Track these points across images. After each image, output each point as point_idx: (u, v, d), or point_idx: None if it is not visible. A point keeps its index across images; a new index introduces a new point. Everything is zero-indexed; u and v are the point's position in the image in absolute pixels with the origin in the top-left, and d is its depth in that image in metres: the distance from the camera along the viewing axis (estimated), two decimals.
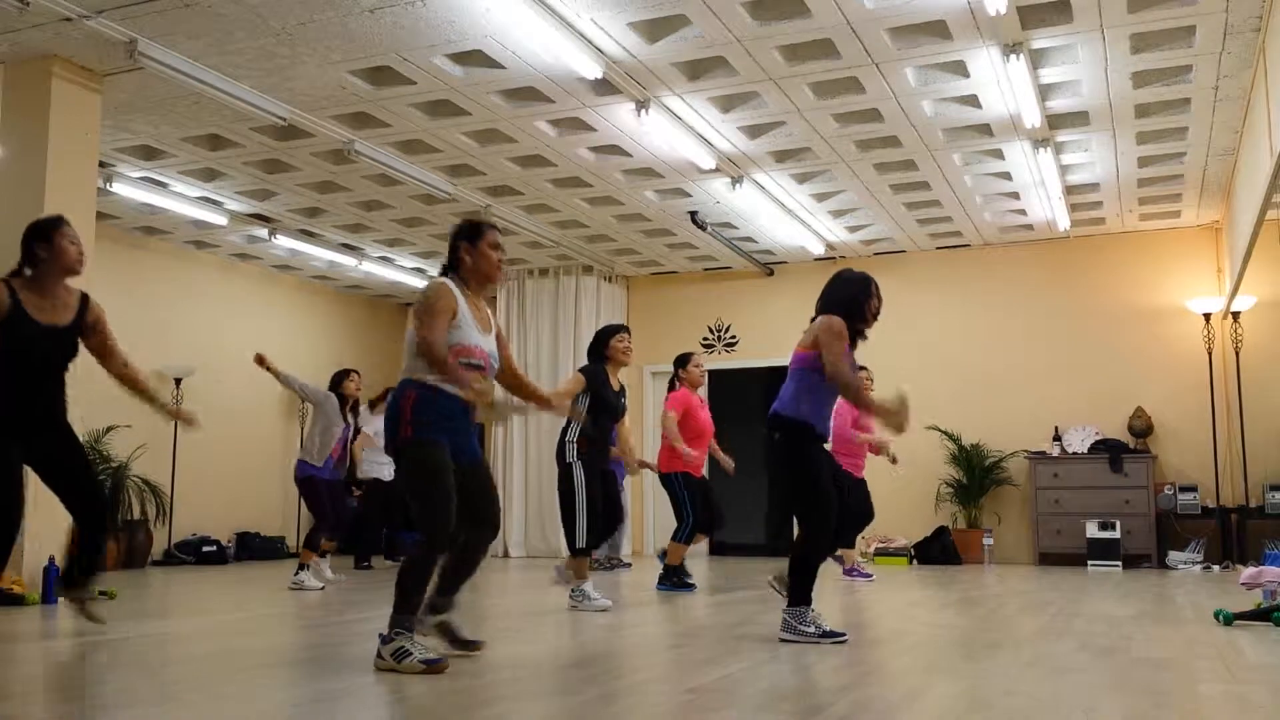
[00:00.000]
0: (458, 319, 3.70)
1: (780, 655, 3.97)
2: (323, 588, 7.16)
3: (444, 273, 3.87)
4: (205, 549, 10.05)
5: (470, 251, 3.83)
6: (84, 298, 4.48)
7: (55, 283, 4.37)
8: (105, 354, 4.52)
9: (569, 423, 6.08)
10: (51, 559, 5.96)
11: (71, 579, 4.61)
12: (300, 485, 7.49)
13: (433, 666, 3.47)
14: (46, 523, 6.11)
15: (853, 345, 4.58)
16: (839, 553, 8.03)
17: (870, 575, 8.00)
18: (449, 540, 3.64)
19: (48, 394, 4.38)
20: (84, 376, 4.72)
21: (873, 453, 7.99)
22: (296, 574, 7.18)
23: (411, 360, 3.71)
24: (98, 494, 4.52)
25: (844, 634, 4.35)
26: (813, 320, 4.58)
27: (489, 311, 3.95)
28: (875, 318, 4.61)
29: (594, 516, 5.92)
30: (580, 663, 3.78)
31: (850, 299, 4.54)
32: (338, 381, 7.70)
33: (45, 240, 4.33)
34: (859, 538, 8.42)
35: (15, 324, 4.22)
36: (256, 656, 4.00)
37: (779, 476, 4.51)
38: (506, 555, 11.29)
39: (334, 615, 5.48)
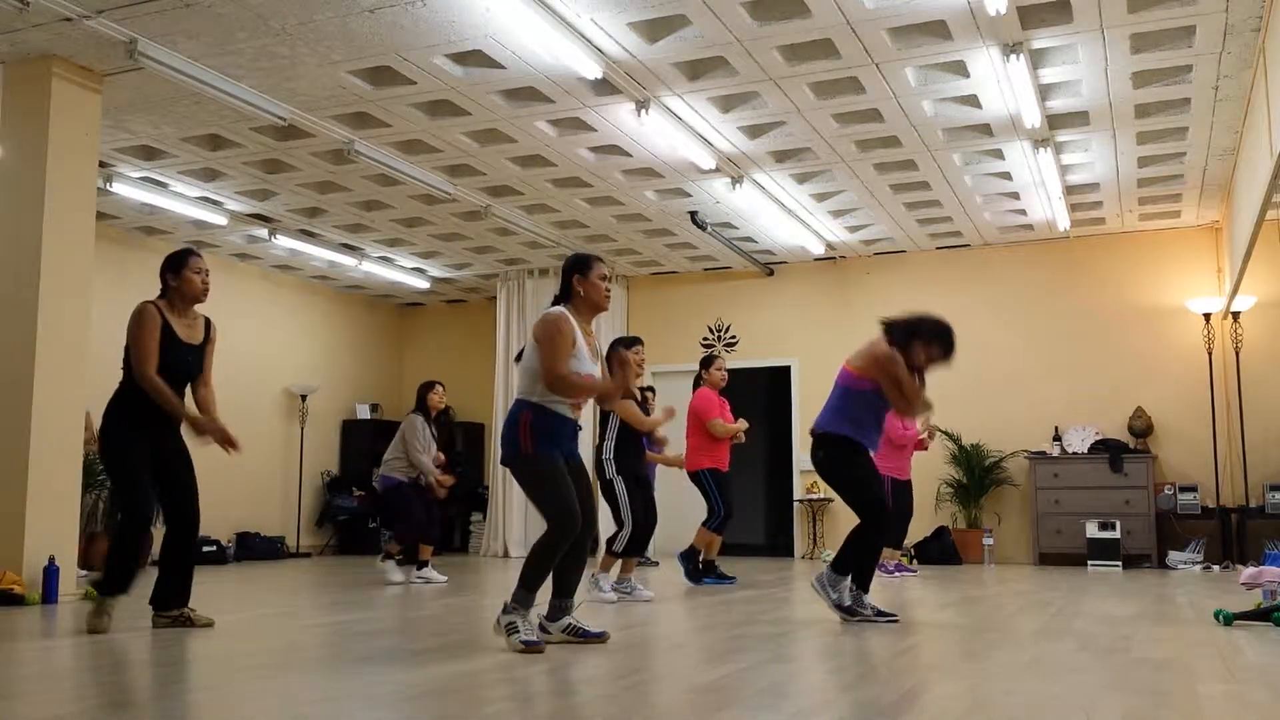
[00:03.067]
0: (575, 349, 4.06)
1: (780, 655, 3.97)
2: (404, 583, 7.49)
3: (556, 302, 4.21)
4: (205, 549, 10.04)
5: (582, 283, 4.18)
6: (207, 321, 4.99)
7: (186, 307, 4.90)
8: (202, 372, 4.98)
9: (604, 440, 6.48)
10: (51, 559, 5.97)
11: (167, 599, 4.85)
12: (386, 496, 7.76)
13: (531, 647, 3.88)
14: (47, 522, 6.12)
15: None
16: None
17: (914, 570, 8.38)
18: (574, 529, 4.01)
19: None
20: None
21: (922, 449, 8.46)
22: (420, 570, 7.59)
23: (529, 383, 4.08)
24: (196, 509, 4.89)
25: (858, 615, 4.54)
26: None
27: (596, 341, 4.31)
28: (922, 369, 4.79)
29: (639, 528, 6.36)
30: (580, 662, 3.78)
31: (914, 334, 4.76)
32: (421, 396, 7.89)
33: (174, 272, 4.84)
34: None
35: (165, 340, 4.74)
36: (257, 656, 4.00)
37: (834, 486, 4.97)
38: (507, 555, 11.29)
39: (334, 615, 5.48)
